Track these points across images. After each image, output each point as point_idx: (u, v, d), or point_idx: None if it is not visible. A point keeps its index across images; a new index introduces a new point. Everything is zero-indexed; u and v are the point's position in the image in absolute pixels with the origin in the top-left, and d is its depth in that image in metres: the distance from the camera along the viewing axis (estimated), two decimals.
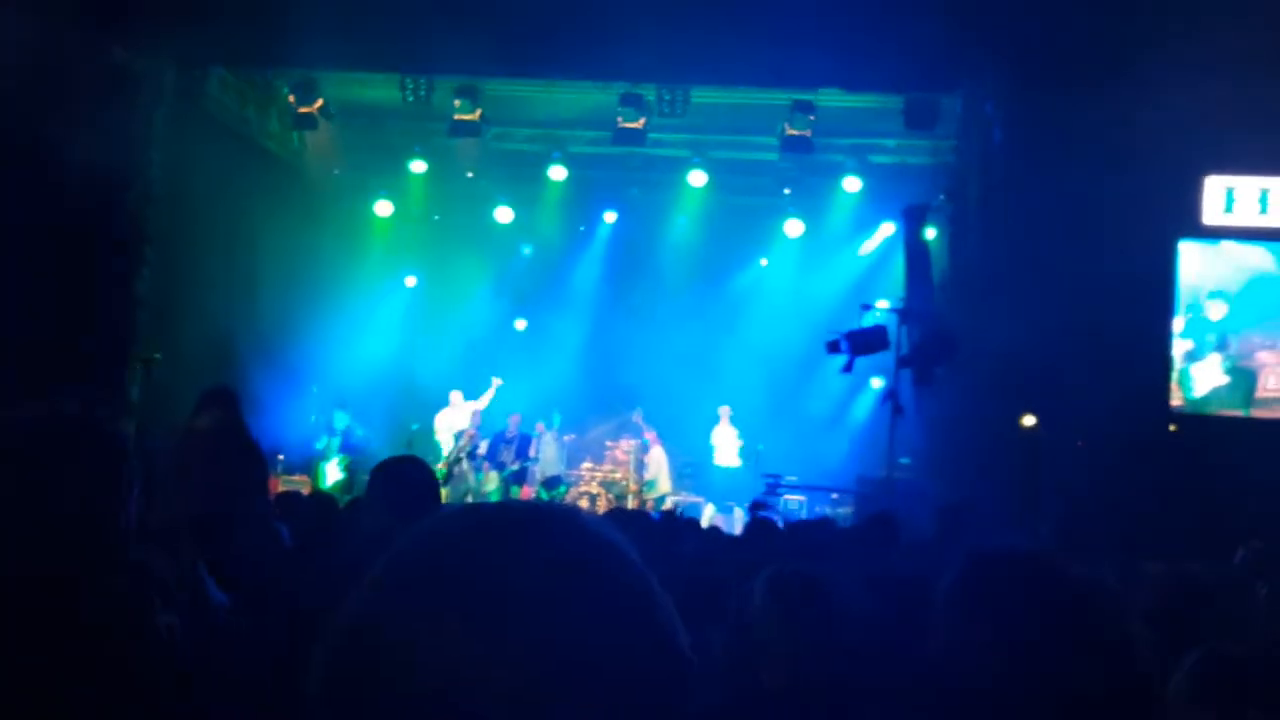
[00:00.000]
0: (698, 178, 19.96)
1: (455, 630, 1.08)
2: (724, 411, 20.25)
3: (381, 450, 19.49)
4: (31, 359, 14.38)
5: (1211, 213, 14.88)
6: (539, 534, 1.17)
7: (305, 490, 16.48)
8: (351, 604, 1.14)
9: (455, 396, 19.98)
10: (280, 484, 16.34)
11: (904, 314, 13.91)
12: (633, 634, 1.14)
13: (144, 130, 15.91)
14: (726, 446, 20.06)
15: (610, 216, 22.23)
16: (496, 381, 19.95)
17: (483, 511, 1.23)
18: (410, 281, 23.01)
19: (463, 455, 18.96)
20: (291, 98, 18.64)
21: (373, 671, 1.10)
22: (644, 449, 19.74)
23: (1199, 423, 14.69)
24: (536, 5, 14.96)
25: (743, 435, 20.08)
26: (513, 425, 19.82)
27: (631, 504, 18.94)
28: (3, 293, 14.85)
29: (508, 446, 19.53)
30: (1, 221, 15.29)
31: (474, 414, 19.63)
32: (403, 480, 5.05)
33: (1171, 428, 14.80)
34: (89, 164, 14.60)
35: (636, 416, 20.14)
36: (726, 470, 20.01)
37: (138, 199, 15.78)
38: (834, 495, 17.86)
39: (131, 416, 15.68)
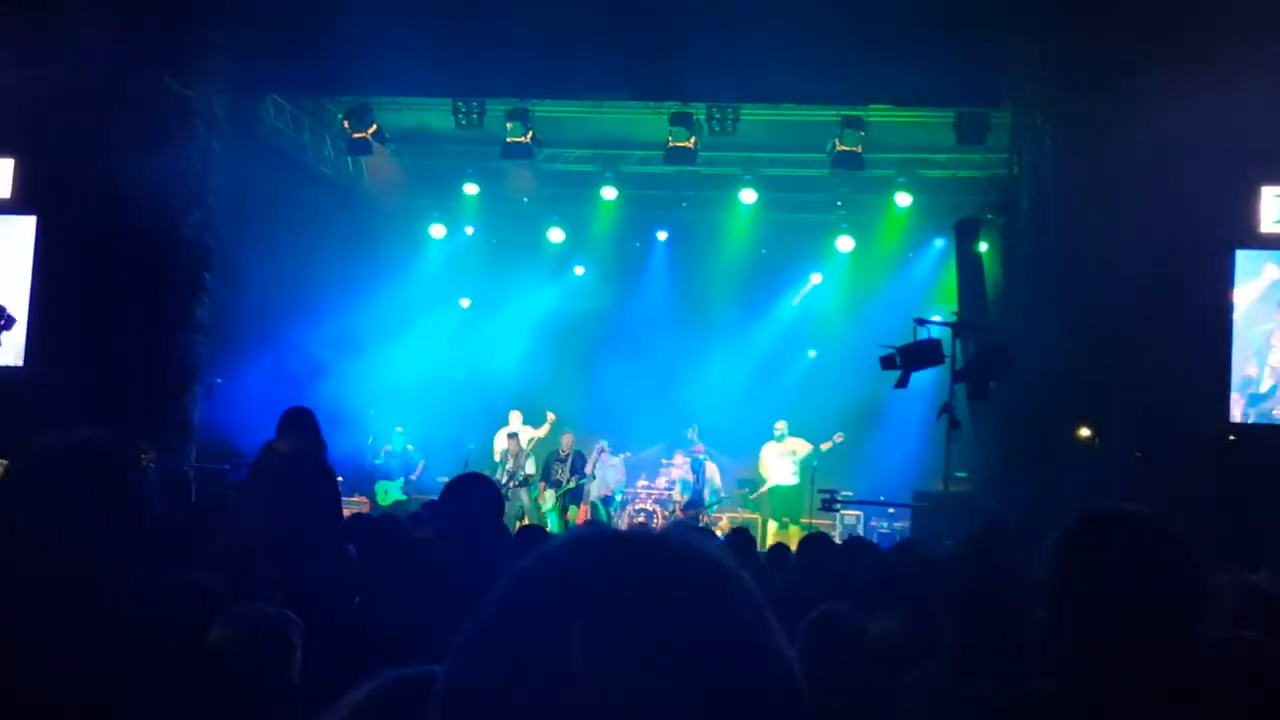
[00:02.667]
0: (748, 195, 20.03)
1: (578, 645, 1.10)
2: (779, 427, 20.11)
3: (438, 470, 19.68)
4: (94, 387, 14.63)
5: (1268, 221, 14.76)
6: (664, 557, 1.18)
7: (365, 510, 16.68)
8: (476, 620, 1.16)
9: (514, 416, 20.03)
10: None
11: (958, 328, 13.89)
12: (749, 660, 1.14)
13: (201, 158, 16.13)
14: (777, 464, 19.95)
15: (662, 235, 22.25)
16: (551, 417, 19.98)
17: (607, 535, 1.24)
18: (465, 303, 23.11)
19: (511, 476, 19.02)
20: (346, 124, 18.85)
21: (493, 682, 1.12)
22: (698, 465, 19.70)
23: (1258, 432, 14.57)
24: (586, 27, 15.08)
25: (802, 461, 19.89)
26: (566, 445, 19.88)
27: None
28: (68, 321, 15.12)
29: (561, 464, 19.59)
30: (64, 249, 15.60)
31: (530, 440, 19.71)
32: (472, 495, 5.13)
33: (1231, 438, 14.69)
34: (148, 193, 14.83)
35: (691, 433, 20.13)
36: (779, 488, 19.91)
37: (197, 226, 15.99)
38: (890, 510, 17.85)
39: (192, 441, 15.89)
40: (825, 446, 19.58)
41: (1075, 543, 2.95)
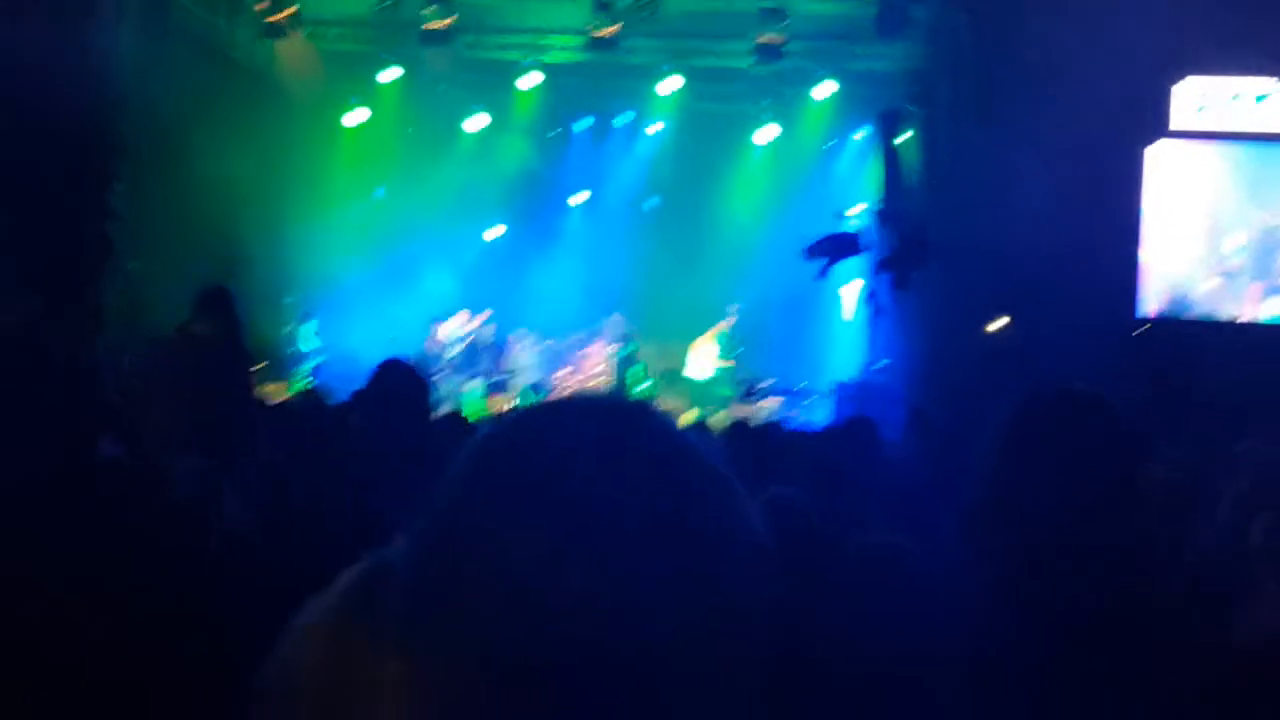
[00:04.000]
0: (671, 83, 19.90)
1: (540, 524, 1.09)
2: (721, 326, 20.13)
3: (359, 360, 19.55)
4: (3, 272, 14.36)
5: (1181, 117, 14.89)
6: (621, 429, 1.17)
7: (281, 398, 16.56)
8: (436, 501, 1.15)
9: (460, 316, 19.97)
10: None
11: (881, 218, 13.99)
12: (716, 526, 1.14)
13: (111, 39, 15.72)
14: (700, 358, 20.03)
15: (584, 123, 22.09)
16: (486, 312, 19.96)
17: (566, 408, 1.24)
18: (379, 192, 22.84)
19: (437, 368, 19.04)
20: (261, 5, 18.42)
21: (457, 566, 1.10)
22: (622, 355, 19.76)
23: (1171, 325, 14.79)
24: None
25: (723, 350, 20.01)
26: (485, 335, 19.87)
27: None
28: None
29: (485, 353, 19.63)
30: None
31: (462, 332, 19.71)
32: (399, 381, 5.11)
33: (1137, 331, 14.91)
34: (56, 74, 14.47)
35: (614, 319, 20.14)
36: (697, 382, 20.02)
37: (106, 109, 15.64)
38: (810, 399, 18.03)
39: (105, 325, 15.67)
40: (721, 327, 19.71)
41: (1025, 419, 3.02)
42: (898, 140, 15.47)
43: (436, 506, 1.14)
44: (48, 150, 14.76)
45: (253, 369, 8.83)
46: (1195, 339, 14.34)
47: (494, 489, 1.12)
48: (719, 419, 18.08)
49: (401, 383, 5.17)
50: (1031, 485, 2.94)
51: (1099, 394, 3.02)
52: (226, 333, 8.33)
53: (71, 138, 14.97)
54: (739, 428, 10.11)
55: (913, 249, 13.57)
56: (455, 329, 19.69)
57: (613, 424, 1.17)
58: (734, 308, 20.02)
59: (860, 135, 20.24)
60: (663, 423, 1.19)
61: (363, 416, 5.56)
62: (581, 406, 1.22)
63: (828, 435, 8.43)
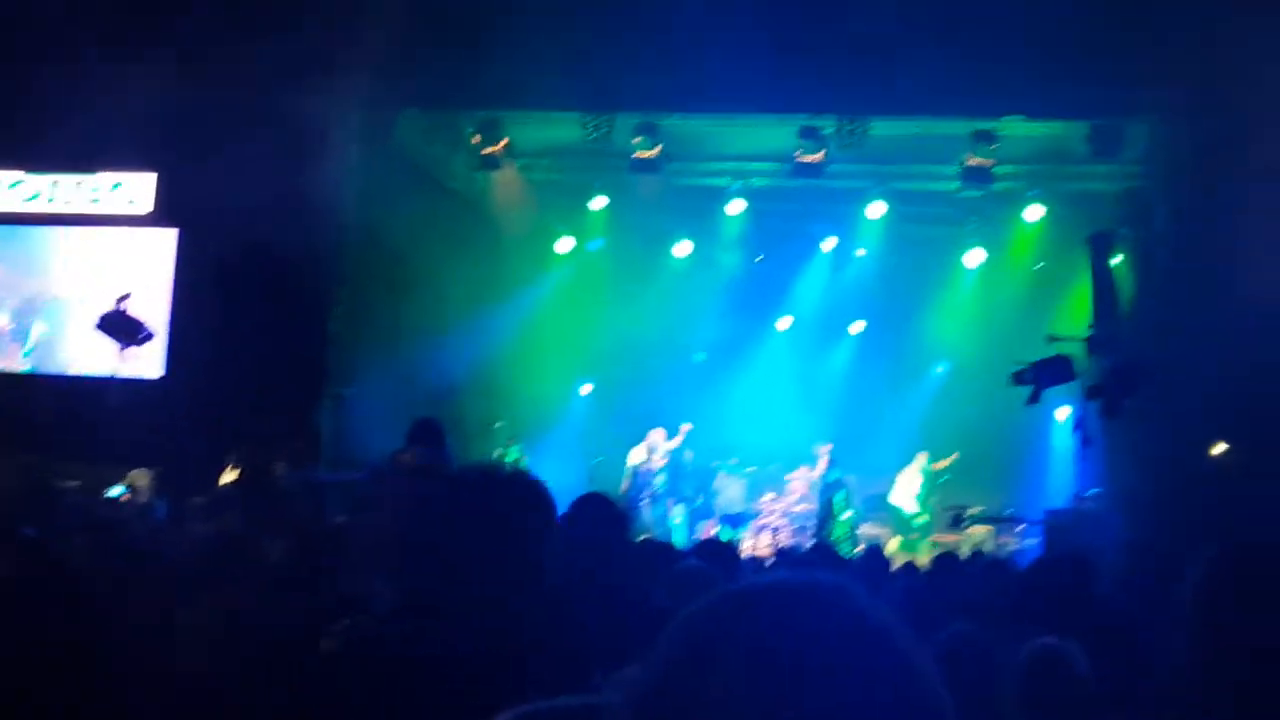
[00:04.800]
0: (877, 209, 19.85)
1: (743, 696, 1.25)
2: (921, 457, 19.88)
3: (560, 484, 19.73)
4: (229, 398, 14.96)
5: None
6: (822, 610, 1.33)
7: None
8: (647, 668, 1.32)
9: (655, 434, 20.04)
10: None
11: (1092, 343, 13.66)
12: (902, 707, 1.27)
13: (336, 172, 16.37)
14: (907, 487, 19.73)
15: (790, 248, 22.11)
16: (685, 427, 20.02)
17: (772, 586, 1.38)
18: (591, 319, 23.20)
19: (640, 491, 19.10)
20: (477, 138, 18.98)
21: None
22: (828, 481, 19.57)
23: None
24: (715, 42, 15.05)
25: (927, 483, 19.70)
26: (688, 460, 19.96)
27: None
28: (204, 334, 15.46)
29: (689, 479, 19.67)
30: (203, 263, 15.97)
31: (664, 453, 19.76)
32: (598, 517, 5.12)
33: None
34: (285, 207, 15.13)
35: (821, 448, 20.00)
36: (900, 510, 19.73)
37: (330, 239, 16.25)
38: (1019, 526, 17.58)
39: (320, 451, 16.12)
40: (939, 465, 19.44)
41: (1217, 577, 2.86)
42: (1110, 263, 15.12)
43: (654, 672, 1.32)
44: (277, 278, 15.39)
45: None
46: None
47: (707, 670, 1.29)
48: (925, 547, 17.81)
49: (600, 516, 5.20)
50: (1228, 661, 2.78)
51: None
52: (439, 463, 8.46)
53: (297, 267, 15.59)
54: (946, 560, 9.91)
55: (1125, 375, 13.21)
56: (657, 450, 19.72)
57: (814, 611, 1.33)
58: (954, 455, 19.70)
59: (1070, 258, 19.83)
60: (856, 608, 1.33)
61: (561, 549, 5.55)
62: (788, 591, 1.36)
63: (1037, 570, 8.20)
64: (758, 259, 21.97)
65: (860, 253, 21.72)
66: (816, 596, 1.34)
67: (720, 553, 7.04)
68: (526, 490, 2.91)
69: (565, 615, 4.83)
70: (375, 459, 13.70)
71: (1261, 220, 13.54)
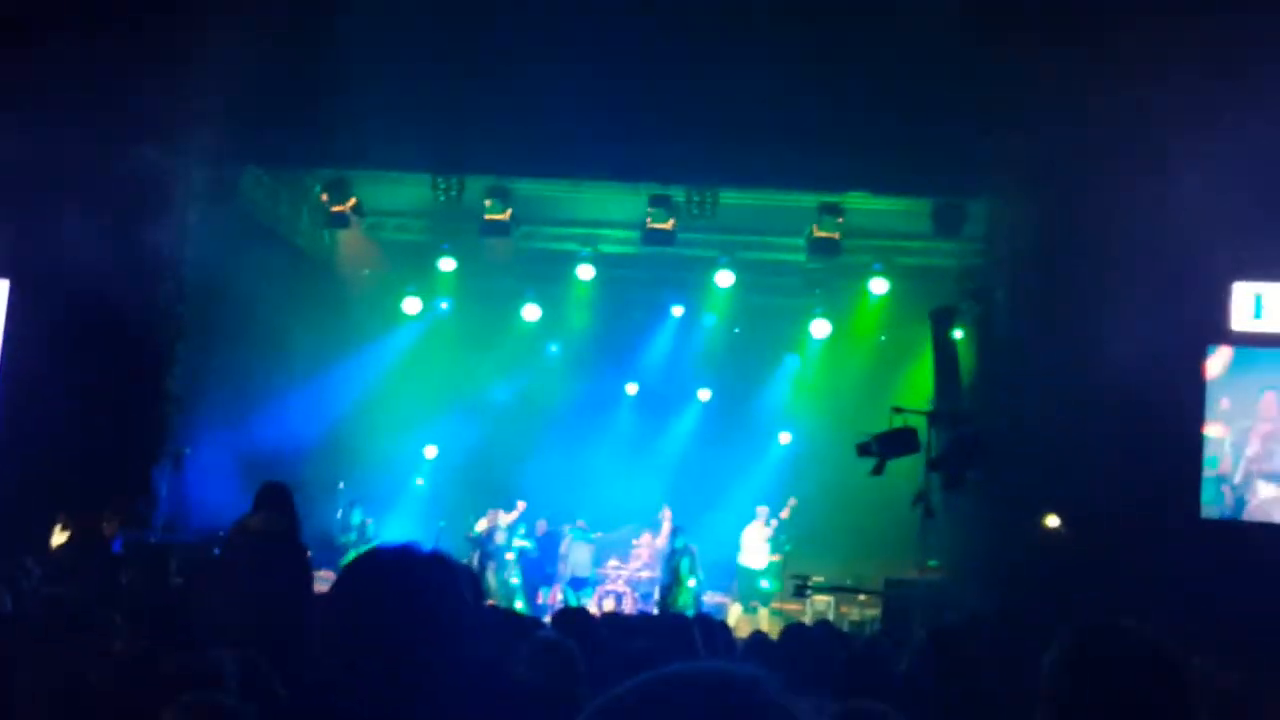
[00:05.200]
0: (725, 278, 20.05)
1: None
2: (761, 511, 20.03)
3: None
4: (63, 454, 14.51)
5: (1240, 318, 14.77)
6: (740, 701, 1.36)
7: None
8: None
9: (495, 513, 19.92)
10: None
11: (934, 416, 13.90)
12: None
13: (178, 228, 16.06)
14: (756, 546, 19.84)
15: (638, 314, 22.19)
16: (520, 505, 20.04)
17: (687, 678, 1.39)
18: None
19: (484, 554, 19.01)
20: (324, 196, 18.79)
21: None
22: (674, 548, 19.63)
23: (1231, 529, 14.52)
24: (567, 108, 15.12)
25: (773, 538, 19.84)
26: (539, 528, 19.92)
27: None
28: (37, 387, 14.99)
29: (538, 544, 19.69)
30: (35, 316, 15.51)
31: (505, 526, 19.72)
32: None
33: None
34: (123, 261, 14.78)
35: (664, 514, 20.06)
36: (750, 570, 19.84)
37: (170, 295, 15.92)
38: (861, 597, 17.74)
39: (158, 512, 15.72)
40: (783, 515, 19.65)
41: (1073, 657, 2.99)
42: (952, 337, 15.44)
43: None
44: (112, 334, 15.00)
45: (308, 564, 8.74)
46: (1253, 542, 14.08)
47: None
48: (766, 615, 17.90)
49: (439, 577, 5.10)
50: None
51: (1143, 631, 3.00)
52: (285, 528, 8.24)
53: (135, 323, 15.23)
54: (796, 630, 9.92)
55: (966, 448, 13.46)
56: (499, 525, 19.64)
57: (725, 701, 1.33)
58: (791, 501, 19.96)
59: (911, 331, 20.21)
60: (771, 699, 1.35)
61: (395, 611, 5.43)
62: (697, 681, 1.37)
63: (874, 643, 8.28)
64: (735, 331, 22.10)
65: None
66: (732, 687, 1.35)
67: (575, 622, 6.96)
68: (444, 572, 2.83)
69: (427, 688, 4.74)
70: (214, 522, 13.45)
71: (1096, 298, 13.95)
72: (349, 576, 2.80)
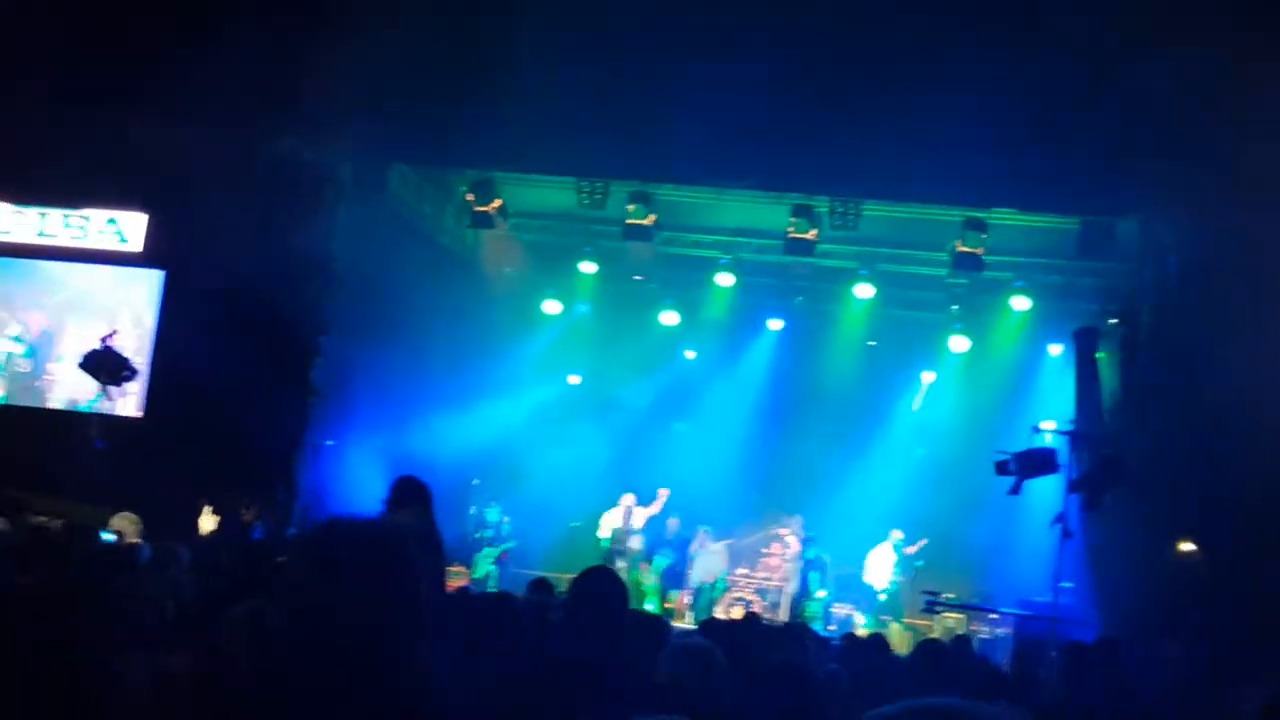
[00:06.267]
0: (865, 290, 19.94)
1: None
2: (895, 535, 19.75)
3: (537, 544, 19.84)
4: (207, 442, 14.88)
5: None
6: None
7: (464, 581, 16.74)
8: None
9: (627, 499, 20.01)
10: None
11: (1074, 437, 13.71)
12: None
13: (326, 222, 16.39)
14: (882, 568, 19.61)
15: (776, 325, 22.09)
16: (663, 493, 20.03)
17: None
18: (573, 380, 23.20)
19: (618, 554, 19.08)
20: (470, 196, 19.05)
21: None
22: (805, 559, 19.54)
23: None
24: (713, 115, 15.15)
25: (900, 563, 19.60)
26: (671, 528, 19.93)
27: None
28: (186, 376, 15.38)
29: (666, 547, 19.69)
30: (188, 305, 15.92)
31: (642, 518, 19.79)
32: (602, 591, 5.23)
33: None
34: (274, 254, 15.14)
35: (795, 524, 19.97)
36: (872, 589, 19.63)
37: (317, 289, 16.23)
38: (993, 615, 17.52)
39: (296, 501, 16.03)
40: (910, 551, 19.43)
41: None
42: (1095, 357, 15.21)
43: None
44: (261, 326, 15.34)
45: (444, 561, 8.85)
46: None
47: None
48: (896, 630, 17.76)
49: (605, 589, 5.28)
50: None
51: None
52: (421, 524, 8.31)
53: (282, 315, 15.55)
54: (929, 645, 9.87)
55: (1107, 470, 13.25)
56: (633, 515, 19.72)
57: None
58: (922, 541, 19.69)
59: (1057, 350, 19.90)
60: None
61: (567, 618, 5.55)
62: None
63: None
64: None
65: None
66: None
67: (721, 632, 7.02)
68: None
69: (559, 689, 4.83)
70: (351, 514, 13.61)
71: (1246, 324, 13.64)
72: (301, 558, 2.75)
